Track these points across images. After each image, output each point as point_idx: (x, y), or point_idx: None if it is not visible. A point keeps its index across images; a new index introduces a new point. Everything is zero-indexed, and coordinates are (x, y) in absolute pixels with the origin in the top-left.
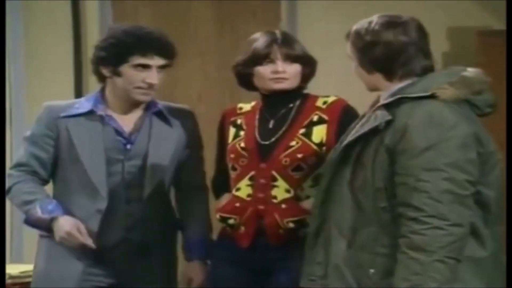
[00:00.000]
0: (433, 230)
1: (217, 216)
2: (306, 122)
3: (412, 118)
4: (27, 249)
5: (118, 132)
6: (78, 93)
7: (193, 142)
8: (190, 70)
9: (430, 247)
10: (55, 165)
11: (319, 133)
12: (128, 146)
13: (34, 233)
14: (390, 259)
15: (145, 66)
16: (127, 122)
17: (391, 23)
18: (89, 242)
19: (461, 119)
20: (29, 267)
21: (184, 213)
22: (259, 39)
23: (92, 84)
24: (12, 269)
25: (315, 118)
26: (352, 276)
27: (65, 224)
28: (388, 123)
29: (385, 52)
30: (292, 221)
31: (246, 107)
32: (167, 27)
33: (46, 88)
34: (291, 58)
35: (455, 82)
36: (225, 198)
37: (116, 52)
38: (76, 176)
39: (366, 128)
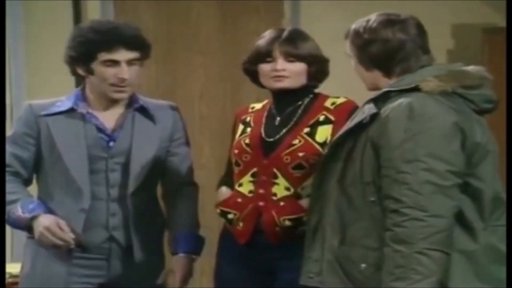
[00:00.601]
0: (412, 222)
1: (217, 210)
2: (311, 122)
3: (394, 110)
4: None
5: (100, 130)
6: None
7: (179, 138)
8: (192, 68)
9: (410, 239)
10: (37, 164)
11: (324, 133)
12: (111, 144)
13: None
14: (382, 253)
15: (114, 62)
16: (109, 119)
17: (389, 21)
18: (69, 238)
19: (442, 110)
20: None
21: (170, 208)
22: (264, 37)
23: None
24: (13, 268)
25: (321, 118)
26: (344, 271)
27: (44, 221)
28: (374, 116)
29: (383, 50)
30: (289, 219)
31: (258, 106)
32: (169, 25)
33: (47, 86)
34: (292, 57)
35: (441, 75)
36: (222, 193)
37: (85, 51)
38: (58, 175)
39: (353, 122)
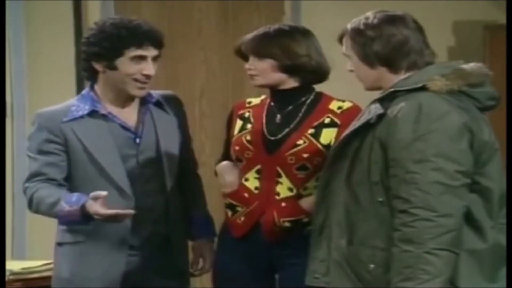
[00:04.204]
0: (421, 222)
1: (226, 201)
2: (316, 123)
3: (402, 110)
4: (29, 246)
5: (125, 128)
6: (80, 89)
7: (185, 124)
8: (193, 65)
9: (419, 239)
10: (69, 168)
11: (329, 135)
12: (137, 140)
13: (36, 230)
14: (390, 254)
15: (141, 58)
16: (127, 116)
17: (391, 17)
18: (119, 212)
19: (451, 109)
20: (31, 263)
21: (186, 193)
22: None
23: None
24: (14, 265)
25: (327, 120)
26: (353, 272)
27: (92, 209)
28: (381, 116)
29: (389, 45)
30: (289, 221)
31: (256, 101)
32: (170, 23)
33: (47, 85)
34: (256, 54)
35: (448, 74)
36: (226, 170)
37: (111, 46)
38: (96, 177)
39: (360, 122)
